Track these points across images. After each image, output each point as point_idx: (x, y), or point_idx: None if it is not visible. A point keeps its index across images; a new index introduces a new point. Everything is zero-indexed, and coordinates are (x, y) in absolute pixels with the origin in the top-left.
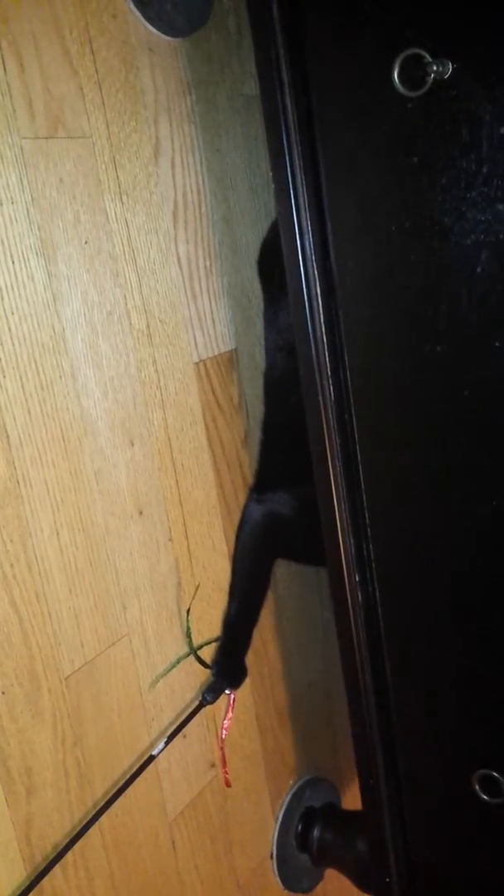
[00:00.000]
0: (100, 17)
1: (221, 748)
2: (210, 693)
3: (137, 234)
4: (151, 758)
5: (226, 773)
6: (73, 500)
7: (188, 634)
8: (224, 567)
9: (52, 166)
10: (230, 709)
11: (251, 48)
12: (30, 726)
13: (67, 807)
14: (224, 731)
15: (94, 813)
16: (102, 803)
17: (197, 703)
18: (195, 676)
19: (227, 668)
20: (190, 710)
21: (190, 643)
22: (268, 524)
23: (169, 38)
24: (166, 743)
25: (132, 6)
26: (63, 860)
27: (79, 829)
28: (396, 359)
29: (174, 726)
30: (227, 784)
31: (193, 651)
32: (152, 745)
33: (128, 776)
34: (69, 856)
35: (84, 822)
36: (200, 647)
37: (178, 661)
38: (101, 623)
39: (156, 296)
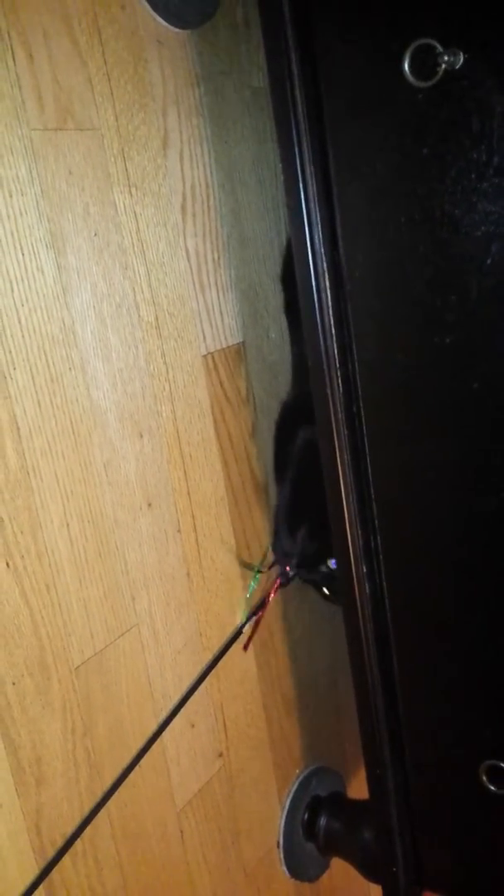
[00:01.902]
0: (108, 8)
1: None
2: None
3: (146, 227)
4: (239, 632)
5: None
6: (82, 492)
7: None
8: (231, 561)
9: (62, 158)
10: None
11: (260, 40)
12: (40, 717)
13: (77, 796)
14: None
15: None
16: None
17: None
18: (203, 667)
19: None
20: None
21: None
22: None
23: (177, 30)
24: (249, 618)
25: None
26: (73, 850)
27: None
28: (405, 351)
29: (258, 603)
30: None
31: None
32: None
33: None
34: (79, 845)
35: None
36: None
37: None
38: (110, 614)
39: (164, 288)
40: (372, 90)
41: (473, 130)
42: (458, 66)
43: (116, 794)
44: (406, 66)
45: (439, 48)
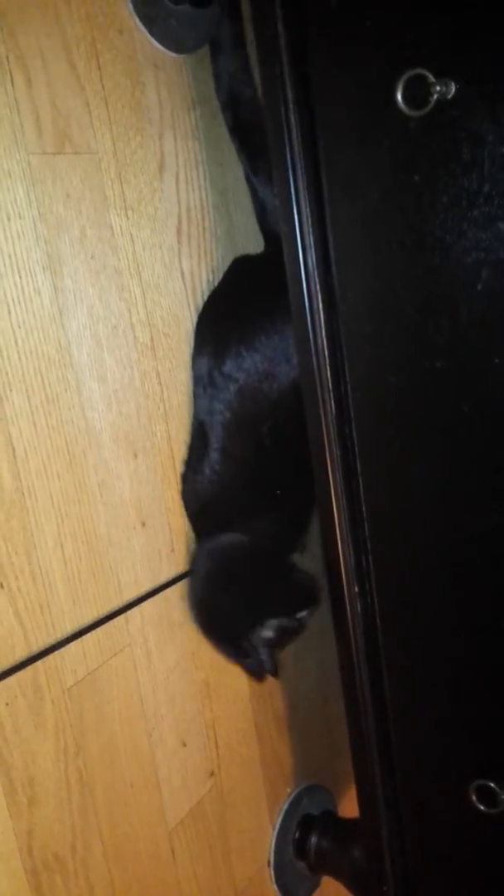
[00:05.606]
0: (107, 32)
1: None
2: None
3: (142, 249)
4: None
5: None
6: (77, 512)
7: None
8: None
9: (59, 182)
10: None
11: (255, 65)
12: (33, 737)
13: (69, 816)
14: None
15: None
16: None
17: None
18: (195, 686)
19: None
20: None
21: None
22: None
23: (174, 55)
24: None
25: (139, 23)
26: (64, 869)
27: None
28: (397, 373)
29: None
30: None
31: None
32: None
33: None
34: (70, 865)
35: None
36: None
37: None
38: (103, 634)
39: (159, 310)
40: (365, 118)
41: (464, 159)
42: (449, 96)
43: (108, 813)
44: (399, 95)
45: (431, 78)
